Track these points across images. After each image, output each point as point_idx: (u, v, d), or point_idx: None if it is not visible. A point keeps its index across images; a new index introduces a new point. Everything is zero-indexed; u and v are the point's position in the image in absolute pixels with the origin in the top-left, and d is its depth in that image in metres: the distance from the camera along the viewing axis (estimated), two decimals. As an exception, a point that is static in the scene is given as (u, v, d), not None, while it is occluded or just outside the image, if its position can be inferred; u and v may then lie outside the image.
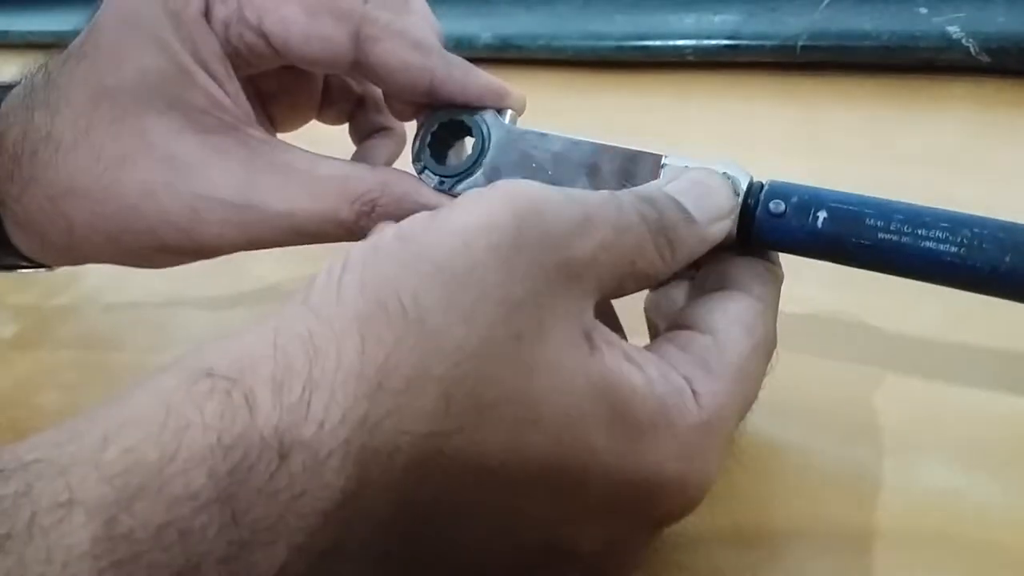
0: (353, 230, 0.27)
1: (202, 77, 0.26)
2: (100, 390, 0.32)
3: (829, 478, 0.24)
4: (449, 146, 0.29)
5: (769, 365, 0.22)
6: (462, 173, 0.28)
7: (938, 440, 0.25)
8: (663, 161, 0.26)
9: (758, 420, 0.26)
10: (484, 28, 0.55)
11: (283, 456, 0.16)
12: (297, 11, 0.26)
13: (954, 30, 0.40)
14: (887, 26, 0.42)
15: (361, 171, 0.28)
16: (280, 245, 0.27)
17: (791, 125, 0.41)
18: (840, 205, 0.23)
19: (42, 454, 0.16)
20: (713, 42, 0.46)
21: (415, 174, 0.28)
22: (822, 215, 0.23)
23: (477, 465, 0.17)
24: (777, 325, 0.23)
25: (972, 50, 0.39)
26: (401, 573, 0.18)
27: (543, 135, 0.29)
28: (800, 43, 0.43)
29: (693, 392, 0.20)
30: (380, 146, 0.31)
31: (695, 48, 0.47)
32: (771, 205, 0.23)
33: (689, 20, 0.49)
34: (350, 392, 0.17)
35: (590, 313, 0.20)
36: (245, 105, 0.27)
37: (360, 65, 0.27)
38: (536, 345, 0.18)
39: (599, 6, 0.55)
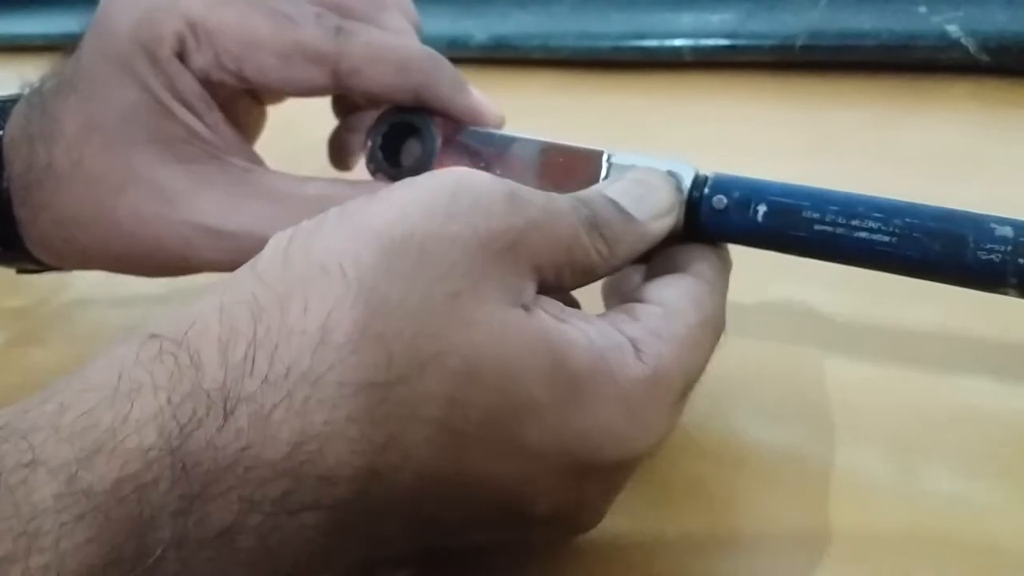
0: None
1: (180, 111, 0.27)
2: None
3: (827, 482, 0.24)
4: (400, 145, 0.30)
5: (717, 345, 0.23)
6: (413, 172, 0.29)
7: (939, 444, 0.25)
8: (609, 159, 0.27)
9: (756, 423, 0.26)
10: (479, 28, 0.54)
11: (229, 411, 0.17)
12: (273, 60, 0.27)
13: (953, 29, 0.40)
14: (886, 25, 0.42)
15: (341, 188, 0.28)
16: None
17: (790, 125, 0.41)
18: (778, 199, 0.24)
19: (5, 421, 0.17)
20: (711, 42, 0.46)
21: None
22: (761, 209, 0.24)
23: (420, 417, 0.18)
24: (760, 321, 0.23)
25: (971, 49, 0.39)
26: (357, 524, 0.18)
27: (490, 134, 0.30)
28: (799, 43, 0.43)
29: (636, 350, 0.20)
30: (365, 117, 0.32)
31: (693, 48, 0.47)
32: (713, 201, 0.25)
33: (687, 19, 0.49)
34: (293, 348, 0.18)
35: (530, 290, 0.20)
36: (227, 133, 0.28)
37: (345, 91, 0.29)
38: (473, 303, 0.19)
39: (595, 5, 0.55)
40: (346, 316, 0.18)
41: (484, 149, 0.29)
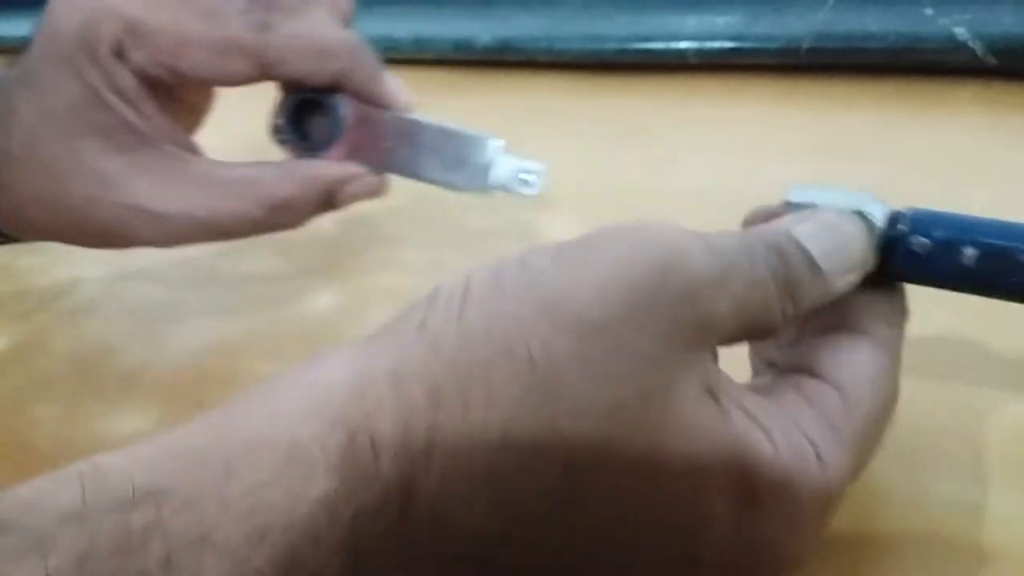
0: (271, 225, 0.31)
1: (117, 104, 0.29)
2: (97, 401, 0.31)
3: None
4: (305, 119, 0.32)
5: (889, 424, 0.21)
6: (321, 147, 0.31)
7: (949, 450, 0.25)
8: (788, 197, 0.24)
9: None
10: (483, 30, 0.54)
11: (404, 506, 0.16)
12: (205, 54, 0.29)
13: (960, 32, 0.39)
14: (893, 28, 0.41)
15: (263, 171, 0.31)
16: (210, 241, 0.31)
17: (795, 128, 0.41)
18: (991, 240, 0.21)
19: (166, 481, 0.16)
20: (716, 44, 0.46)
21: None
22: (970, 252, 0.21)
23: (596, 521, 0.17)
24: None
25: (978, 52, 0.39)
26: None
27: (397, 118, 0.31)
28: (805, 45, 0.43)
29: (818, 457, 0.19)
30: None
31: (698, 50, 0.46)
32: (912, 243, 0.22)
33: (691, 22, 0.49)
34: (475, 447, 0.16)
35: (712, 364, 0.19)
36: (162, 122, 0.30)
37: (272, 79, 0.31)
38: (665, 404, 0.17)
39: (600, 7, 0.54)
40: (531, 416, 0.16)
41: (388, 131, 0.31)
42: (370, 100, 0.31)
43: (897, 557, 0.23)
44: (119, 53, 0.29)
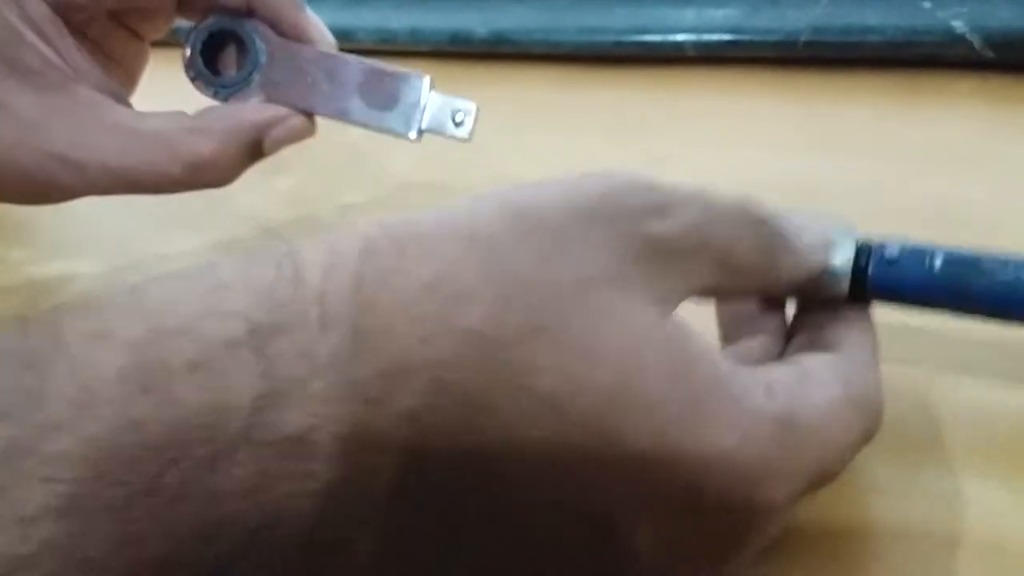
0: (195, 184, 0.29)
1: (31, 37, 0.27)
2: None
3: (833, 482, 0.24)
4: (219, 53, 0.30)
5: (867, 442, 0.21)
6: (237, 84, 0.30)
7: (945, 443, 0.25)
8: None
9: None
10: (479, 23, 0.54)
11: (323, 327, 0.16)
12: None
13: (958, 25, 0.39)
14: (891, 21, 0.41)
15: (180, 121, 0.29)
16: (137, 194, 0.29)
17: (794, 121, 0.41)
18: (955, 250, 0.23)
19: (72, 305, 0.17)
20: (714, 37, 0.46)
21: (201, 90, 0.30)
22: (938, 260, 0.23)
23: (523, 385, 0.17)
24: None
25: (976, 45, 0.39)
26: (417, 486, 0.17)
27: (318, 53, 0.30)
28: (803, 38, 0.43)
29: (768, 389, 0.19)
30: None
31: (695, 43, 0.46)
32: (885, 251, 0.23)
33: (689, 14, 0.49)
34: (400, 286, 0.17)
35: (675, 300, 0.19)
36: (80, 61, 0.29)
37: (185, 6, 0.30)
38: (604, 292, 0.18)
39: (596, 0, 0.54)
40: (464, 270, 0.17)
41: (310, 66, 0.29)
42: (290, 32, 0.30)
43: (894, 549, 0.23)
44: None
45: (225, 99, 0.30)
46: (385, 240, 0.18)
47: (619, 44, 0.49)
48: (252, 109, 0.29)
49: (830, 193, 0.35)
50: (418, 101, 0.30)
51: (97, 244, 0.40)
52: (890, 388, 0.26)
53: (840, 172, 0.36)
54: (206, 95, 0.30)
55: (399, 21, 0.57)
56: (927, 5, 0.42)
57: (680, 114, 0.44)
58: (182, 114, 0.29)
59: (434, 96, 0.31)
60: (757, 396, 0.19)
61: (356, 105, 0.30)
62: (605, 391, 0.17)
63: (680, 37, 0.47)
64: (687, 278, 0.19)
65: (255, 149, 0.29)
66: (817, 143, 0.39)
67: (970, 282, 0.22)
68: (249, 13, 0.30)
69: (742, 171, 0.38)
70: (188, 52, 0.30)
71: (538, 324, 0.17)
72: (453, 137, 0.31)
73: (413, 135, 0.31)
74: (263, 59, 0.29)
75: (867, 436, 0.21)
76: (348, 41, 0.58)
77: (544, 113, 0.48)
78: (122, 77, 0.32)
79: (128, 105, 0.30)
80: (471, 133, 0.32)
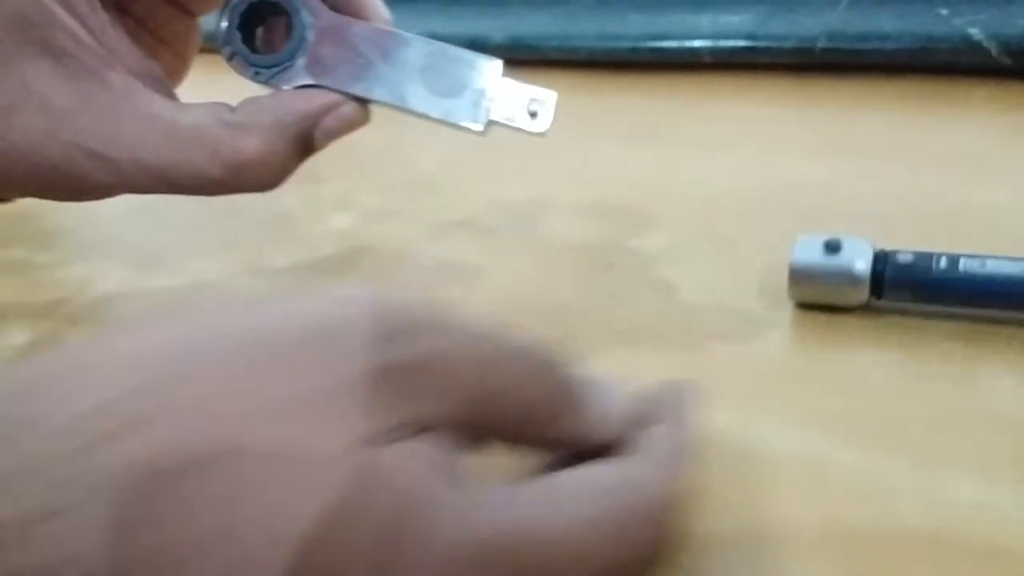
0: (241, 186, 0.25)
1: (62, 14, 0.24)
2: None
3: (852, 489, 0.24)
4: (259, 29, 0.26)
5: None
6: (281, 64, 0.25)
7: (963, 450, 0.25)
8: (794, 250, 0.28)
9: (780, 430, 0.26)
10: (496, 28, 0.54)
11: None
12: None
13: (975, 32, 0.39)
14: (907, 28, 0.41)
15: (220, 115, 0.25)
16: (177, 194, 0.26)
17: (811, 127, 0.41)
18: (953, 254, 0.28)
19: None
20: (730, 43, 0.46)
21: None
22: (943, 261, 0.28)
23: (197, 517, 0.15)
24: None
25: (993, 52, 0.39)
26: None
27: (374, 29, 0.26)
28: (819, 45, 0.43)
29: (491, 509, 0.17)
30: None
31: (712, 49, 0.47)
32: (899, 257, 0.28)
33: (705, 21, 0.49)
34: (58, 425, 0.15)
35: (409, 430, 0.17)
36: (115, 41, 0.25)
37: None
38: (299, 423, 0.16)
39: (613, 6, 0.55)
40: (133, 398, 0.15)
41: (364, 44, 0.25)
42: (340, 5, 0.26)
43: (912, 555, 0.23)
44: None
45: (266, 81, 0.26)
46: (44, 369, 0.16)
47: (635, 50, 0.49)
48: (299, 97, 0.25)
49: (847, 198, 0.35)
50: (485, 87, 0.26)
51: (122, 249, 0.40)
52: (910, 395, 0.26)
53: (857, 177, 0.37)
54: (244, 76, 0.26)
55: (416, 27, 0.57)
56: (943, 12, 0.42)
57: (696, 119, 0.44)
58: (223, 106, 0.26)
59: (506, 83, 0.27)
60: (464, 523, 0.16)
61: (416, 91, 0.26)
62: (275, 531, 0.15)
63: (696, 43, 0.47)
64: (426, 407, 0.17)
65: (305, 144, 0.26)
66: (834, 148, 0.39)
67: (964, 283, 0.27)
68: None
69: (759, 177, 0.38)
70: (225, 25, 0.25)
71: (212, 454, 0.15)
72: (526, 131, 0.28)
73: (480, 127, 0.27)
74: (310, 36, 0.25)
75: (636, 558, 0.18)
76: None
77: (561, 118, 0.48)
78: (171, 61, 0.29)
79: (170, 94, 0.26)
80: (548, 127, 0.28)
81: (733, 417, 0.26)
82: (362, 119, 0.27)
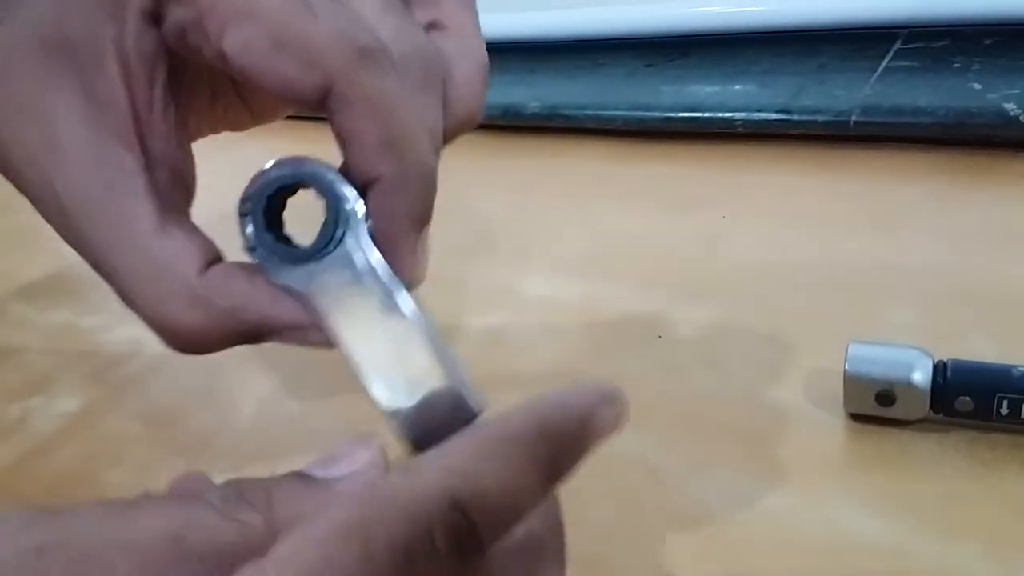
0: (162, 338, 0.22)
1: (113, 66, 0.21)
2: (168, 466, 0.32)
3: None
4: (277, 218, 0.21)
5: None
6: (315, 255, 0.20)
7: None
8: (849, 354, 0.27)
9: (855, 516, 0.26)
10: (531, 97, 0.56)
11: None
12: (262, 39, 0.20)
13: (1011, 107, 0.40)
14: (942, 102, 0.42)
15: (184, 280, 0.21)
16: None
17: (846, 199, 0.41)
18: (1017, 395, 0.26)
19: None
20: (763, 115, 0.47)
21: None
22: (1003, 406, 0.26)
23: None
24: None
25: (1028, 127, 0.40)
26: None
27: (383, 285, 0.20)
28: (854, 118, 0.44)
29: None
30: None
31: (745, 121, 0.48)
32: (958, 403, 0.26)
33: (736, 93, 0.50)
34: None
35: None
36: (155, 117, 0.22)
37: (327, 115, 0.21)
38: None
39: (644, 78, 0.56)
40: None
41: (371, 298, 0.21)
42: (383, 245, 0.21)
43: None
44: (156, 11, 0.21)
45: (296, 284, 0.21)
46: None
47: (669, 120, 0.50)
48: (270, 302, 0.21)
49: (883, 271, 0.35)
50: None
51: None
52: (983, 483, 0.26)
53: (894, 250, 0.37)
54: (269, 278, 0.21)
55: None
56: (976, 87, 0.43)
57: (730, 189, 0.45)
58: (200, 250, 0.21)
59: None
60: None
61: (380, 380, 0.21)
62: None
63: (729, 115, 0.48)
64: None
65: (250, 339, 0.22)
66: (870, 221, 0.39)
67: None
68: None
69: (795, 247, 0.38)
70: (249, 218, 0.21)
71: None
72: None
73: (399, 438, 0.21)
74: (360, 217, 0.20)
75: None
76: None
77: (595, 185, 0.49)
78: (239, 119, 0.26)
79: (177, 206, 0.22)
80: None
81: (795, 498, 0.26)
82: (321, 346, 0.22)
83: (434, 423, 0.20)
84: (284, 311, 0.21)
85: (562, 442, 0.19)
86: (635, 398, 0.31)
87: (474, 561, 0.17)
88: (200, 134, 0.27)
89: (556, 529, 0.20)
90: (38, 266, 0.48)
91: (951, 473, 0.26)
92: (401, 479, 0.17)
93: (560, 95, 0.56)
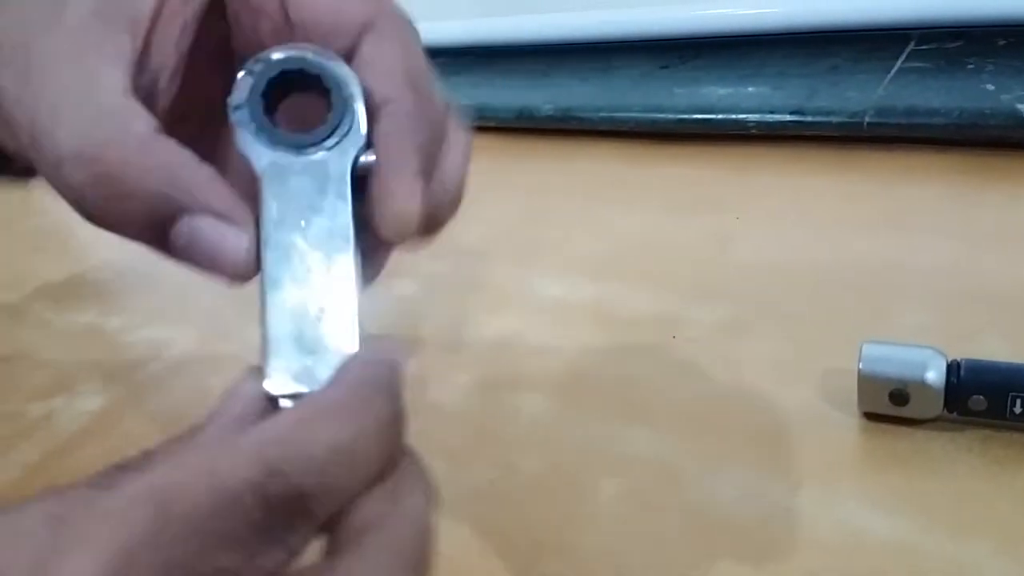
0: (133, 209, 0.19)
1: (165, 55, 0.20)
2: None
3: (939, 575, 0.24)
4: (273, 104, 0.20)
5: None
6: (296, 145, 0.19)
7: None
8: (863, 355, 0.28)
9: (868, 515, 0.26)
10: (545, 99, 0.56)
11: None
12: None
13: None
14: (955, 103, 0.42)
15: (151, 119, 0.19)
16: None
17: (859, 199, 0.41)
18: None
19: None
20: (776, 117, 0.47)
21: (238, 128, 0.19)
22: (1018, 404, 0.26)
23: None
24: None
25: (1042, 127, 0.40)
26: None
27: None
28: (867, 119, 0.44)
29: None
30: None
31: (758, 122, 0.48)
32: (971, 402, 0.27)
33: (749, 95, 0.50)
34: None
35: None
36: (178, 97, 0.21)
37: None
38: None
39: (657, 80, 0.56)
40: None
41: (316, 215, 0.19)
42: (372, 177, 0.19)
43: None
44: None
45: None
46: None
47: (682, 121, 0.51)
48: (206, 179, 0.19)
49: (897, 271, 0.35)
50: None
51: (192, 314, 0.41)
52: (994, 480, 0.26)
53: (907, 251, 0.37)
54: (252, 164, 0.19)
55: (468, 97, 0.59)
56: (990, 87, 0.43)
57: (743, 190, 0.45)
58: (150, 120, 0.19)
59: None
60: None
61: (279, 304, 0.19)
62: None
63: (742, 116, 0.48)
64: None
65: (167, 218, 0.19)
66: (884, 221, 0.39)
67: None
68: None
69: (808, 248, 0.39)
70: (244, 87, 0.19)
71: None
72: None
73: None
74: (360, 124, 0.19)
75: None
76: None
77: (608, 186, 0.49)
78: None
79: (161, 111, 0.21)
80: None
81: (809, 498, 0.26)
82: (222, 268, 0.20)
83: None
84: (216, 195, 0.19)
85: (382, 394, 0.18)
86: (649, 397, 0.32)
87: (304, 526, 0.16)
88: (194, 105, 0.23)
89: (419, 534, 0.18)
90: (63, 268, 0.49)
91: (964, 472, 0.26)
92: (218, 448, 0.17)
93: (574, 97, 0.56)
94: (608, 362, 0.34)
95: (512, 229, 0.47)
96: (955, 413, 0.27)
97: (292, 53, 0.20)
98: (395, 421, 0.18)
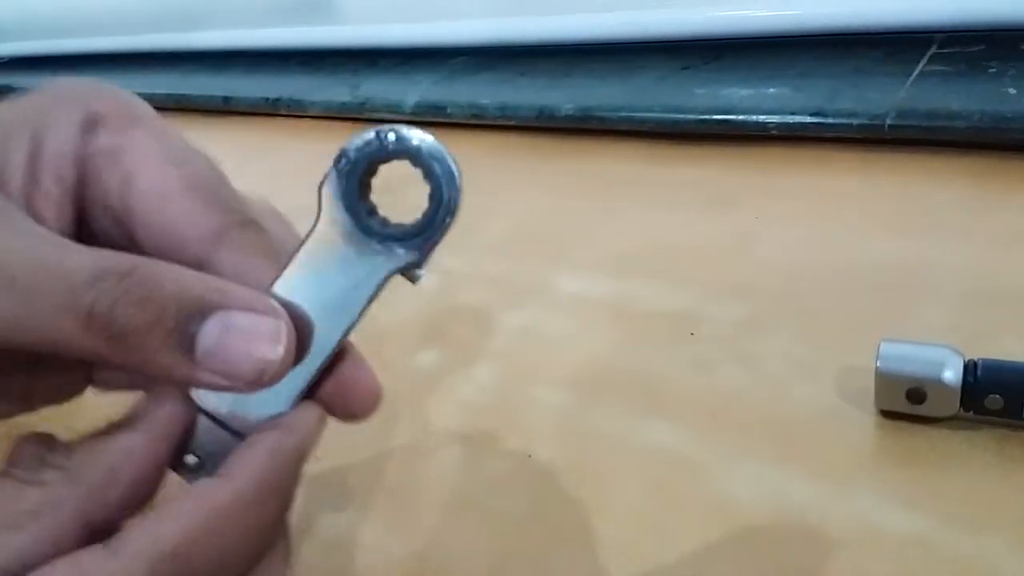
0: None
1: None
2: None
3: (955, 570, 0.24)
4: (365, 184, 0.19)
5: None
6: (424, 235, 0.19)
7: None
8: (880, 352, 0.28)
9: (884, 508, 0.26)
10: (565, 99, 0.57)
11: None
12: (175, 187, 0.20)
13: (1046, 112, 0.40)
14: (976, 106, 0.42)
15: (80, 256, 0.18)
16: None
17: (880, 201, 0.42)
18: None
19: None
20: (797, 118, 0.47)
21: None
22: None
23: None
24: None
25: (1064, 131, 0.40)
26: None
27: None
28: (888, 121, 0.44)
29: None
30: None
31: (779, 124, 0.48)
32: (988, 401, 0.27)
33: (770, 96, 0.50)
34: None
35: None
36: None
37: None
38: None
39: (677, 80, 0.56)
40: None
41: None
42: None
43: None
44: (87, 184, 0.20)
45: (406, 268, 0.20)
46: None
47: (703, 122, 0.51)
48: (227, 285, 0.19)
49: (915, 271, 0.36)
50: None
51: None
52: (1011, 476, 0.26)
53: (926, 252, 0.37)
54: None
55: (489, 96, 0.60)
56: (1012, 91, 0.43)
57: (763, 191, 0.45)
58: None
59: None
60: None
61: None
62: None
63: (763, 118, 0.49)
64: None
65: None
66: (904, 223, 0.40)
67: None
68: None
69: (829, 250, 0.39)
70: (341, 185, 0.19)
71: None
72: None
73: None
74: (453, 208, 0.18)
75: None
76: (440, 116, 0.62)
77: (629, 187, 0.50)
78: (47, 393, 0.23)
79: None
80: None
81: (826, 493, 0.27)
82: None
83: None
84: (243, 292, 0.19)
85: (275, 497, 0.19)
86: (667, 393, 0.32)
87: None
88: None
89: None
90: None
91: (980, 469, 0.26)
92: (105, 553, 0.17)
93: (594, 97, 0.57)
94: (627, 357, 0.35)
95: (533, 226, 0.47)
96: (971, 412, 0.27)
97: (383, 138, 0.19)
98: (281, 520, 0.19)
